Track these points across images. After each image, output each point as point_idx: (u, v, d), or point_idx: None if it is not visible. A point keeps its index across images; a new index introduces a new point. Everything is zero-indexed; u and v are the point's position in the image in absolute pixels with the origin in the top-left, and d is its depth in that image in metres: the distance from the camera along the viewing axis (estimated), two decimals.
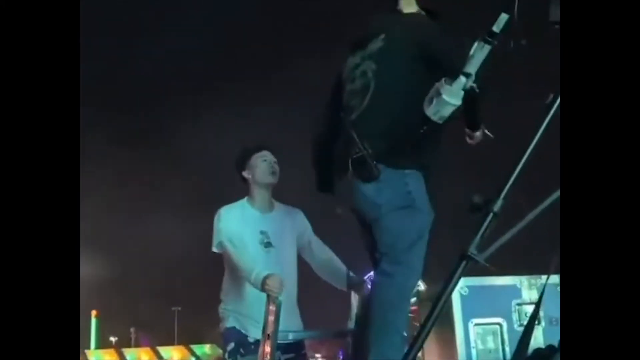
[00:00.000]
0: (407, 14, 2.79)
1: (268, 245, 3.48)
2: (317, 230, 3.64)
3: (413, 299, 3.98)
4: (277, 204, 3.64)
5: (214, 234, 3.51)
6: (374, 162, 2.46)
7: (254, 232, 3.48)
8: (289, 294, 3.35)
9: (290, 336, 3.23)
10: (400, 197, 2.49)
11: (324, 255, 3.56)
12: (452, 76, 2.28)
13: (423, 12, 2.78)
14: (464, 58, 2.28)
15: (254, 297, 3.25)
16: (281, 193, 3.71)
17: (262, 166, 3.55)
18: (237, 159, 3.66)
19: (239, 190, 3.72)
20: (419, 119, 2.37)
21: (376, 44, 2.67)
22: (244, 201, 3.61)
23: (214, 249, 3.50)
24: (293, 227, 3.58)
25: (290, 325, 3.36)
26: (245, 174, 3.59)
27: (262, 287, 3.10)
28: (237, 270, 3.39)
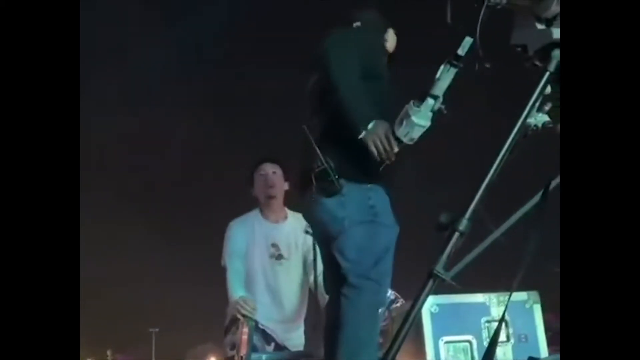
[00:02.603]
0: (362, 30, 2.87)
1: (280, 257, 3.50)
2: None
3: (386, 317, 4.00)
4: (290, 213, 3.64)
5: (223, 247, 3.52)
6: (336, 177, 2.47)
7: (264, 246, 3.50)
8: (294, 310, 3.45)
9: (264, 357, 3.23)
10: (363, 211, 2.50)
11: (319, 274, 3.37)
12: (420, 98, 2.33)
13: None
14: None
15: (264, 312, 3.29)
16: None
17: (259, 181, 3.58)
18: (249, 172, 3.69)
19: (221, 210, 3.71)
20: None
21: None
22: (256, 211, 3.62)
23: (222, 264, 3.51)
24: (306, 238, 3.52)
25: (291, 340, 3.43)
26: (252, 191, 3.63)
27: (234, 307, 3.11)
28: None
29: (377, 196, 2.53)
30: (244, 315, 3.07)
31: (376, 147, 2.33)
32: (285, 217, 3.62)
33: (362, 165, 2.47)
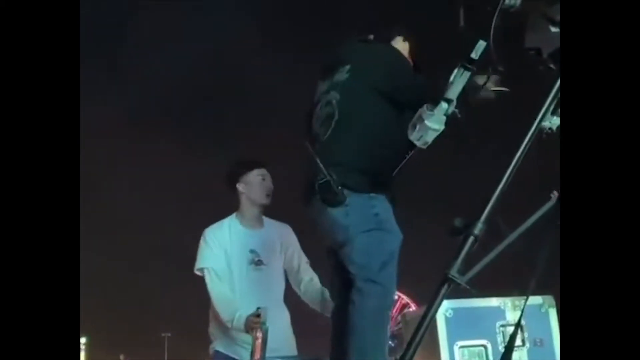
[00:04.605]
0: (375, 44, 2.90)
1: (259, 263, 3.44)
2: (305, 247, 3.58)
3: (399, 321, 3.98)
4: (266, 220, 3.59)
5: (197, 255, 3.46)
6: (339, 187, 2.55)
7: (243, 252, 3.44)
8: (278, 315, 3.35)
9: None
10: (367, 220, 2.57)
11: (310, 280, 3.48)
12: (433, 103, 2.33)
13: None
14: (422, 91, 2.52)
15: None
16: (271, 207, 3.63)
17: (260, 185, 3.49)
18: (232, 171, 3.58)
19: (226, 207, 3.64)
20: (384, 146, 2.61)
21: (341, 75, 2.78)
22: (232, 217, 3.55)
23: (196, 271, 3.46)
24: (282, 244, 3.52)
25: (283, 348, 3.35)
26: (240, 187, 3.52)
27: (247, 328, 3.08)
28: (215, 311, 3.34)
29: (380, 205, 2.61)
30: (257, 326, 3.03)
31: None
32: (262, 224, 3.56)
33: (366, 176, 2.60)
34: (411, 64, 2.88)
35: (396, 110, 2.65)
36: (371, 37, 2.91)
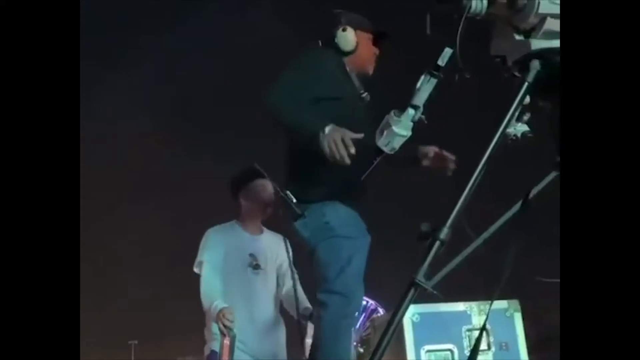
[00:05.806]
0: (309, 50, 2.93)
1: (257, 267, 3.52)
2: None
3: (368, 326, 3.99)
4: (264, 229, 3.70)
5: (198, 252, 3.53)
6: (293, 202, 2.61)
7: (242, 254, 3.53)
8: (269, 320, 3.46)
9: None
10: (320, 229, 2.62)
11: (292, 286, 3.47)
12: (401, 108, 2.35)
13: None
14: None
15: (239, 320, 3.25)
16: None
17: (262, 197, 3.58)
18: (234, 179, 3.67)
19: (200, 219, 3.68)
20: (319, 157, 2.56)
21: None
22: (233, 223, 3.65)
23: (195, 269, 3.50)
24: (278, 253, 3.59)
25: (278, 353, 3.45)
26: (241, 196, 3.61)
27: (217, 318, 3.10)
28: (201, 297, 3.38)
29: (331, 211, 2.64)
30: (225, 326, 3.07)
31: (330, 148, 2.39)
32: (262, 232, 3.68)
33: (318, 187, 2.64)
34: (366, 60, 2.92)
35: (329, 115, 2.58)
36: (319, 42, 2.94)
